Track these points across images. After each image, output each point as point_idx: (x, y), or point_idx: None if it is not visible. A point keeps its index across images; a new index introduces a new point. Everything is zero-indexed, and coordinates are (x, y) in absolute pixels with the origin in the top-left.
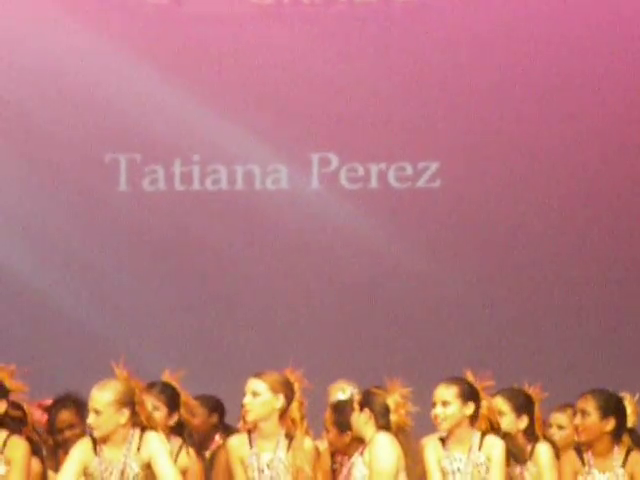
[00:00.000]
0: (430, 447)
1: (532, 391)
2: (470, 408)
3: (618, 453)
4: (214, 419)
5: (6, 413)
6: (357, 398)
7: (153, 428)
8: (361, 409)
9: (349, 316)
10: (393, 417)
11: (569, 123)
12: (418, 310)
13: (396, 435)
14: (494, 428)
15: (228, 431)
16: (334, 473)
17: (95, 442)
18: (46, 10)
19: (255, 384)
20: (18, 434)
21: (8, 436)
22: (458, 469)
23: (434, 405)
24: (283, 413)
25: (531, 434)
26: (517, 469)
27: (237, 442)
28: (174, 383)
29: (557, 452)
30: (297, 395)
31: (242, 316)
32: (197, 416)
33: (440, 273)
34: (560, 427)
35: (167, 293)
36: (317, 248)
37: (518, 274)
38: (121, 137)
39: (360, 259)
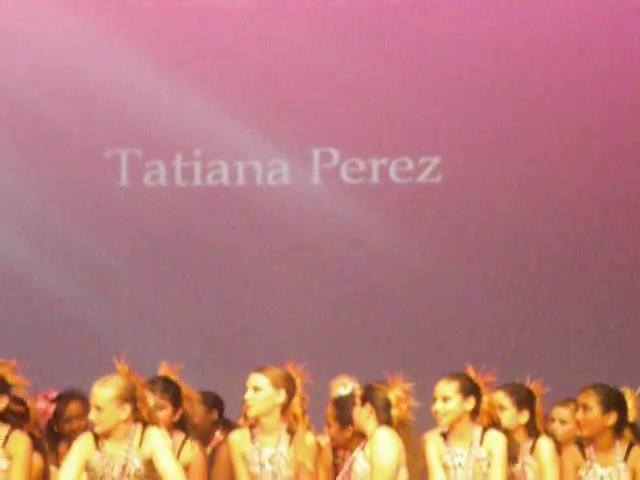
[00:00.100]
0: (431, 442)
1: (533, 386)
2: (470, 403)
3: (620, 448)
4: (214, 415)
5: (8, 408)
6: (359, 393)
7: (155, 423)
8: (362, 404)
9: (350, 311)
10: (394, 412)
11: (570, 119)
12: (419, 305)
13: (397, 430)
14: (495, 423)
15: (228, 427)
16: (336, 468)
17: (97, 437)
18: (46, 6)
19: (257, 379)
20: (20, 429)
21: (10, 431)
22: (459, 464)
23: (435, 400)
24: (285, 408)
25: (532, 429)
26: (518, 464)
27: (239, 437)
28: (174, 377)
29: (558, 447)
30: (299, 390)
31: (243, 311)
32: (196, 413)
33: (442, 268)
34: (562, 422)
35: (168, 288)
36: (318, 243)
37: (519, 269)
38: (122, 132)
39: (361, 254)
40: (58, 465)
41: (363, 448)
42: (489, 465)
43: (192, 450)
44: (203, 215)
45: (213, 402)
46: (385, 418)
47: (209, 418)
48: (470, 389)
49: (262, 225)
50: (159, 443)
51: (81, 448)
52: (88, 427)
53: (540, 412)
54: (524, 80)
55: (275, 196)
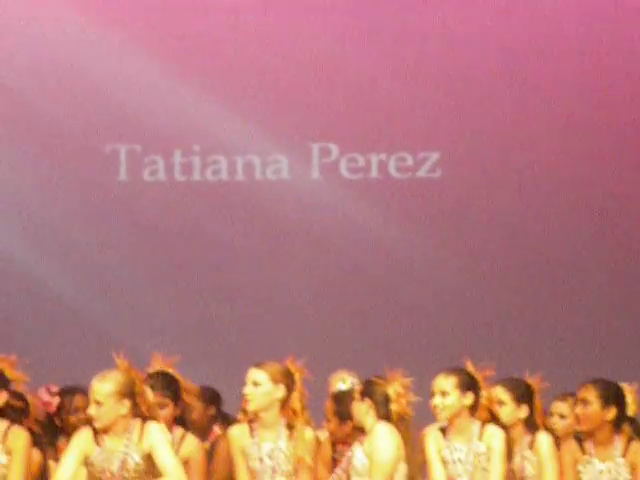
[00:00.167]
0: (431, 437)
1: (532, 381)
2: (469, 398)
3: (618, 442)
4: (211, 411)
5: (7, 404)
6: (358, 388)
7: (154, 418)
8: (362, 399)
9: (349, 306)
10: (393, 407)
11: (569, 115)
12: (418, 300)
13: (396, 425)
14: (494, 418)
15: (227, 421)
16: (335, 463)
17: (96, 432)
18: (46, 2)
19: (256, 374)
20: (19, 424)
21: (9, 426)
22: (459, 459)
23: (433, 395)
24: (284, 403)
25: (531, 424)
26: (517, 458)
27: (238, 432)
28: (171, 371)
29: (557, 442)
30: (298, 385)
31: (243, 306)
32: (195, 409)
33: (441, 263)
34: (561, 416)
35: (167, 283)
36: (317, 238)
37: (518, 263)
38: (121, 128)
39: (361, 249)
40: (57, 460)
41: (362, 443)
42: (488, 460)
43: (191, 445)
44: (202, 210)
45: (211, 397)
46: (384, 413)
47: (207, 414)
48: (469, 384)
49: (261, 220)
50: (158, 438)
51: (80, 443)
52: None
53: (539, 407)
54: (523, 76)
55: (274, 191)
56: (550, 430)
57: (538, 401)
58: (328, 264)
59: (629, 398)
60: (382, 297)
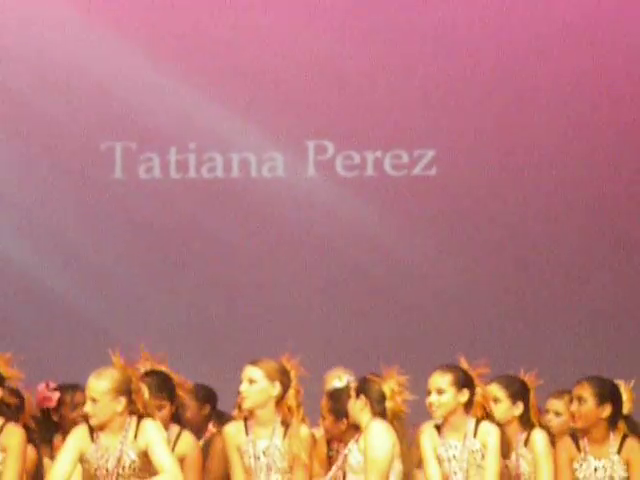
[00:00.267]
0: (426, 435)
1: (527, 378)
2: (465, 395)
3: (614, 440)
4: (206, 410)
5: (2, 401)
6: (353, 385)
7: (150, 416)
8: (357, 396)
9: (345, 304)
10: (389, 404)
11: (566, 112)
12: (414, 298)
13: (391, 422)
14: (488, 415)
15: (222, 419)
16: (330, 460)
17: (92, 429)
18: (42, 1)
19: (251, 371)
20: (14, 422)
21: (4, 423)
22: (454, 456)
23: (429, 393)
24: (279, 401)
25: (526, 421)
26: (512, 456)
27: (233, 429)
28: (164, 369)
29: (552, 439)
30: (293, 383)
31: (238, 303)
32: (189, 408)
33: (437, 261)
34: (556, 413)
35: (163, 280)
36: (313, 236)
37: (514, 261)
38: (117, 125)
39: (356, 247)
40: (52, 457)
41: (357, 440)
42: (483, 457)
43: (187, 442)
44: (198, 207)
45: (205, 396)
46: (379, 410)
47: (201, 413)
48: (464, 381)
49: (257, 217)
50: (154, 435)
51: (76, 440)
52: None
53: (534, 404)
54: (520, 74)
55: (270, 188)
56: (545, 427)
57: (533, 398)
58: (324, 262)
59: (625, 396)
60: (378, 295)
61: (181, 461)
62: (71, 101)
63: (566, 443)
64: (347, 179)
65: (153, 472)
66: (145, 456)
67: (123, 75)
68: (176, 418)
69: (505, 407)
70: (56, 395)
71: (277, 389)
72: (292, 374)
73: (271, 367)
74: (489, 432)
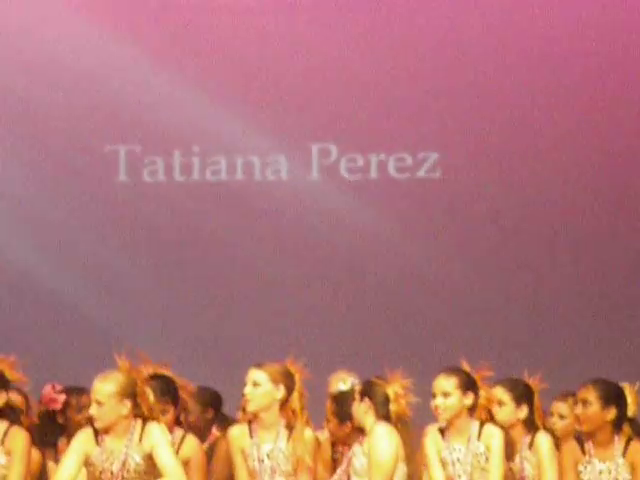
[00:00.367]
0: (430, 438)
1: (531, 381)
2: (469, 398)
3: (618, 443)
4: (209, 415)
5: (7, 404)
6: (358, 388)
7: (155, 419)
8: (361, 399)
9: (349, 306)
10: (393, 407)
11: (570, 114)
12: (418, 300)
13: (396, 425)
14: (492, 418)
15: (225, 423)
16: (334, 463)
17: (97, 432)
18: (48, 3)
19: (256, 374)
20: (19, 425)
21: (8, 427)
22: (458, 459)
23: (434, 396)
24: (283, 404)
25: (531, 424)
26: (517, 458)
27: (238, 432)
28: (167, 373)
29: (557, 442)
30: (297, 386)
31: (242, 306)
32: (192, 412)
33: (440, 264)
34: (561, 416)
35: (167, 283)
36: (317, 239)
37: (518, 263)
38: (121, 128)
39: (360, 249)
40: (57, 460)
41: (362, 443)
42: (487, 460)
43: (191, 445)
44: (201, 210)
45: (208, 400)
46: (384, 414)
47: (204, 417)
48: (468, 384)
49: (261, 220)
50: (159, 438)
51: (81, 443)
52: None
53: (539, 407)
54: (523, 77)
55: (273, 191)
56: (550, 430)
57: (538, 401)
58: (328, 264)
59: (630, 398)
60: (382, 297)
61: (185, 464)
62: (76, 104)
63: (571, 446)
64: (351, 182)
65: (158, 475)
66: (150, 459)
67: (128, 79)
68: (178, 421)
69: (510, 410)
70: (62, 397)
71: (281, 392)
72: (296, 377)
73: (275, 370)
74: (493, 435)
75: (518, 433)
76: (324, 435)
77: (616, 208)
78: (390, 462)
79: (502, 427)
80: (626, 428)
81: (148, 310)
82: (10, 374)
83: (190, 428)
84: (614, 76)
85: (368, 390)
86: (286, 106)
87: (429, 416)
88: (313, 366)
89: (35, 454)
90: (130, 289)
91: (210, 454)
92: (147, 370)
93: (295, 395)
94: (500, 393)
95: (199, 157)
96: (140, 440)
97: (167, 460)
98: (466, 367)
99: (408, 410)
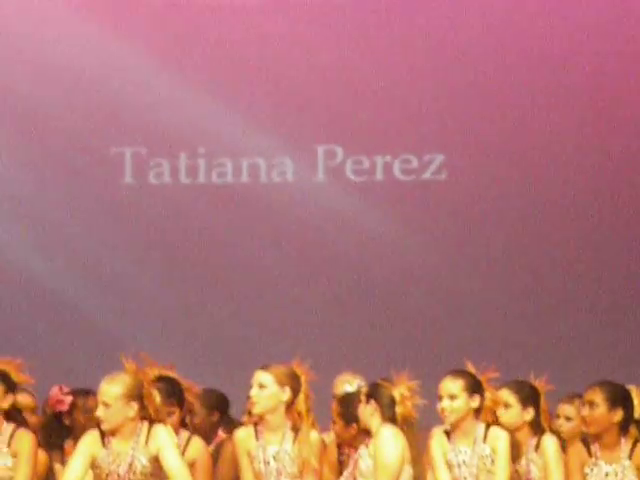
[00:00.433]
0: (435, 440)
1: (538, 383)
2: (476, 401)
3: (625, 445)
4: (214, 417)
5: (13, 406)
6: (364, 390)
7: (161, 421)
8: (367, 401)
9: (355, 308)
10: (399, 409)
11: (575, 116)
12: (424, 302)
13: (402, 427)
14: (498, 420)
15: (231, 425)
16: (340, 465)
17: (103, 434)
18: (52, 4)
19: (262, 376)
20: (25, 427)
21: (15, 429)
22: (463, 462)
23: (440, 398)
24: (289, 406)
25: (537, 426)
26: (523, 461)
27: (244, 434)
28: (172, 375)
29: (563, 444)
30: (303, 388)
31: (248, 308)
32: (197, 414)
33: (446, 265)
34: (567, 418)
35: (173, 286)
36: (323, 241)
37: (523, 266)
38: (127, 131)
39: (365, 251)
40: (63, 462)
41: (367, 445)
42: (493, 462)
43: (197, 447)
44: (207, 213)
45: (214, 403)
46: (390, 416)
47: (209, 420)
48: (475, 386)
49: (266, 222)
50: (165, 440)
51: (87, 445)
52: None
53: (545, 409)
54: (528, 78)
55: (279, 193)
56: (556, 432)
57: (544, 403)
58: (333, 266)
59: (636, 400)
60: (387, 299)
61: (191, 466)
62: (81, 106)
63: (577, 448)
64: (356, 184)
65: (164, 477)
66: (156, 461)
67: (133, 81)
68: (183, 423)
69: (516, 412)
70: (69, 399)
71: (287, 394)
72: (302, 379)
73: (281, 372)
74: (499, 437)
75: (524, 435)
76: (330, 437)
77: (617, 208)
78: (396, 464)
79: (507, 429)
80: (633, 430)
81: (153, 312)
82: (16, 376)
83: (196, 430)
84: (614, 76)
85: (374, 392)
86: (292, 108)
87: (435, 418)
88: (319, 368)
89: (42, 456)
90: (135, 291)
91: (216, 456)
92: (153, 372)
93: (301, 397)
94: (506, 395)
95: (205, 159)
96: (146, 442)
97: (173, 462)
98: (472, 369)
99: (414, 412)
